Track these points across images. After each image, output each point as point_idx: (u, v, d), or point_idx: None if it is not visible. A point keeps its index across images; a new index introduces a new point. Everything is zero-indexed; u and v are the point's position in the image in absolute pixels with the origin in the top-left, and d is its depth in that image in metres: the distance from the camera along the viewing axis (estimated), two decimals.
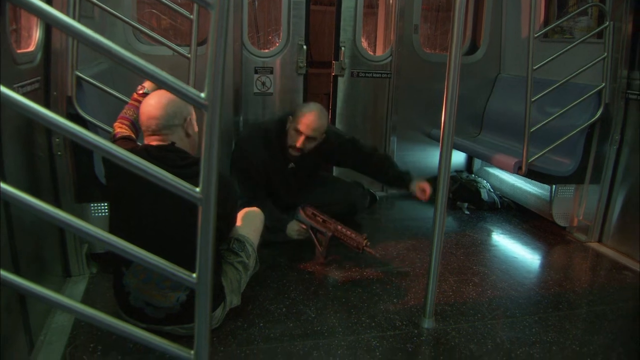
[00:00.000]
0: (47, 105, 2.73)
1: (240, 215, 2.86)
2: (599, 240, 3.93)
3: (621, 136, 3.73)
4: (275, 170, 3.67)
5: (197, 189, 1.12)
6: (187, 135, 2.40)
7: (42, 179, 2.73)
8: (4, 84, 1.94)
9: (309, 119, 3.44)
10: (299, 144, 3.47)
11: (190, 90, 1.03)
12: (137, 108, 2.63)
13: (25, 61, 2.44)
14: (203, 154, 1.08)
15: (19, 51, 2.39)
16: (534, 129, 3.62)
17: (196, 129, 2.48)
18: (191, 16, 3.31)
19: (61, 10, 2.75)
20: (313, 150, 3.58)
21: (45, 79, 2.73)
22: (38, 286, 1.13)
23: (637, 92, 3.63)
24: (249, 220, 2.86)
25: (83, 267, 3.07)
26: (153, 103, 2.33)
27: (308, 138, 3.47)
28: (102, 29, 4.03)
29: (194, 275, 1.21)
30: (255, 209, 3.00)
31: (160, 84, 1.06)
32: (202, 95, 1.01)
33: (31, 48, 2.59)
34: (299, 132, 3.46)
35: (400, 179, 3.86)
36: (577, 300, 3.06)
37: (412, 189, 3.75)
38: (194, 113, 2.46)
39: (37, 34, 2.65)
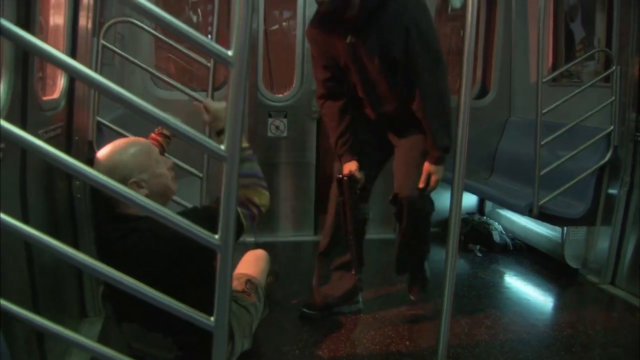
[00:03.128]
0: (68, 149, 2.83)
1: (247, 257, 2.89)
2: (612, 282, 3.91)
3: (631, 178, 3.75)
4: (333, 45, 2.95)
5: (216, 236, 1.14)
6: None
7: (61, 221, 2.81)
8: (30, 131, 2.05)
9: None
10: None
11: (210, 142, 1.08)
12: (155, 146, 2.73)
13: (50, 108, 2.55)
14: (222, 211, 1.13)
15: (44, 98, 2.50)
16: (544, 171, 3.67)
17: (155, 180, 2.20)
18: (208, 64, 3.43)
19: (85, 58, 2.92)
20: (359, 12, 2.75)
21: (67, 125, 2.83)
22: (56, 325, 1.17)
23: None
24: (256, 262, 2.90)
25: (99, 307, 3.12)
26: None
27: None
28: (122, 76, 4.18)
29: (212, 318, 1.22)
30: (260, 250, 3.02)
31: (176, 133, 1.12)
32: (222, 147, 1.06)
33: (56, 95, 2.71)
34: None
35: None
36: (590, 343, 3.05)
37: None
38: (149, 167, 2.19)
39: (61, 82, 2.77)
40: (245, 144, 2.32)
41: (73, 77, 2.60)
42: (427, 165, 2.99)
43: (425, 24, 2.81)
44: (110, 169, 2.07)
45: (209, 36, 4.07)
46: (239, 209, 1.72)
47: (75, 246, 2.96)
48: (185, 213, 2.14)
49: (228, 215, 1.11)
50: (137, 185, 2.12)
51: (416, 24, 2.76)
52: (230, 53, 0.99)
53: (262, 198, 2.28)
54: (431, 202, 3.17)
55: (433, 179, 3.01)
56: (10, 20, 1.87)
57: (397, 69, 2.87)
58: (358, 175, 3.05)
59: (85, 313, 3.08)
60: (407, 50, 2.78)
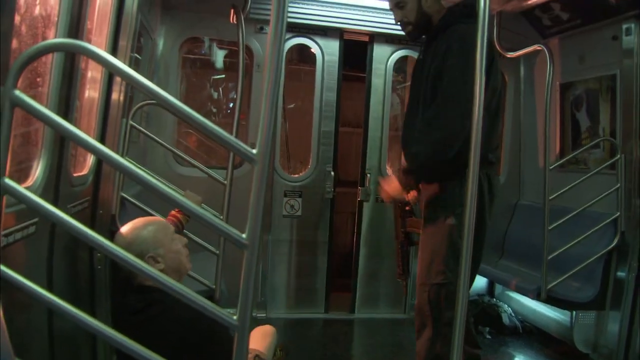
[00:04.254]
0: (92, 222, 2.96)
1: (255, 332, 2.94)
2: None
3: (639, 263, 3.80)
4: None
5: (244, 235, 1.20)
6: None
7: (81, 290, 2.91)
8: (60, 206, 2.20)
9: None
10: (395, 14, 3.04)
11: (231, 230, 1.18)
12: (174, 223, 2.87)
13: (79, 183, 2.70)
14: (241, 295, 1.22)
15: (74, 174, 2.66)
16: (552, 255, 3.74)
17: (170, 255, 2.34)
18: None
19: (114, 137, 3.10)
20: (421, 30, 3.03)
21: (93, 199, 2.98)
22: None
23: None
24: (263, 337, 2.94)
25: None
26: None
27: (394, 7, 3.02)
28: (145, 152, 4.38)
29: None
30: (268, 326, 3.07)
31: (194, 217, 1.23)
32: (244, 235, 1.16)
33: (85, 172, 2.87)
34: None
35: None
36: None
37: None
38: (164, 243, 2.32)
39: (90, 159, 2.94)
40: None
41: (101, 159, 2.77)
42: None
43: (460, 52, 2.73)
44: (129, 243, 2.23)
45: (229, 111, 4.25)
46: None
47: (93, 315, 3.04)
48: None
49: (247, 296, 1.19)
50: (153, 260, 2.26)
51: (448, 46, 2.80)
52: (254, 151, 1.11)
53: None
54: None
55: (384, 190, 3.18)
56: (52, 106, 2.07)
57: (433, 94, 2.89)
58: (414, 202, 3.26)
59: None
60: (439, 66, 2.81)
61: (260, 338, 2.91)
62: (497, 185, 3.01)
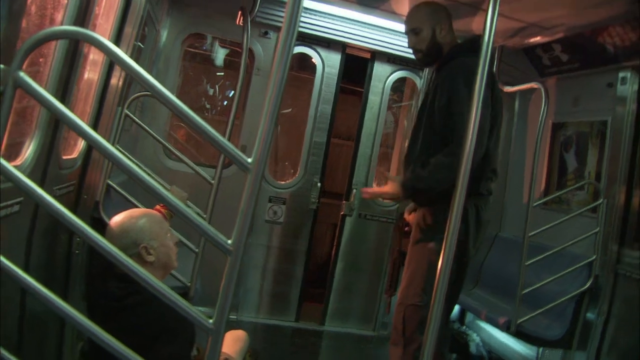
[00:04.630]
0: (75, 207, 2.96)
1: (227, 336, 2.94)
2: None
3: (609, 308, 3.85)
4: None
5: (230, 241, 1.22)
6: (144, 262, 2.22)
7: (57, 272, 2.90)
8: (47, 188, 2.20)
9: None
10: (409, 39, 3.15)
11: (217, 234, 1.20)
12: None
13: (67, 166, 2.70)
14: (219, 305, 1.23)
15: (64, 157, 2.66)
16: (525, 291, 3.78)
17: (162, 249, 2.31)
18: None
19: (107, 124, 3.11)
20: (431, 59, 3.16)
21: (79, 183, 2.98)
22: None
23: (626, 268, 3.80)
24: (235, 342, 2.94)
25: None
26: (108, 235, 2.23)
27: (410, 31, 3.12)
28: (136, 141, 4.37)
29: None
30: (240, 331, 3.08)
31: (180, 215, 1.24)
32: (229, 241, 1.18)
33: (74, 155, 2.87)
34: None
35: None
36: None
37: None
38: (160, 236, 2.31)
39: (81, 144, 2.94)
40: None
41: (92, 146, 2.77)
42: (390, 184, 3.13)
43: (461, 84, 2.83)
44: (125, 230, 2.22)
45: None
46: None
47: (65, 299, 3.03)
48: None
49: (225, 302, 1.21)
50: (145, 251, 2.24)
51: (453, 77, 2.88)
52: (250, 160, 1.14)
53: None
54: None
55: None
56: (52, 87, 2.08)
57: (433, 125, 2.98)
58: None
59: None
60: (443, 97, 2.89)
61: (231, 342, 2.91)
62: (486, 217, 3.06)
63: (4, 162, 1.18)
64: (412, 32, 3.09)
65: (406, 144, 3.39)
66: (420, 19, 3.06)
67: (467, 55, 2.88)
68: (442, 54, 3.07)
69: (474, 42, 2.86)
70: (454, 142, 2.80)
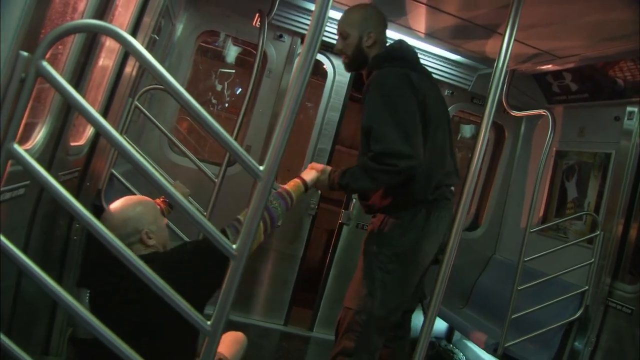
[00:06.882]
0: (78, 193, 2.97)
1: (225, 337, 2.94)
2: None
3: (597, 339, 3.87)
4: None
5: (235, 246, 1.22)
6: (147, 247, 2.28)
7: (53, 257, 2.91)
8: (53, 172, 2.21)
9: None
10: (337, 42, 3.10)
11: (223, 239, 1.20)
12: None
13: (74, 153, 2.72)
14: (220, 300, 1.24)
15: (72, 144, 2.68)
16: (515, 315, 3.80)
17: (160, 232, 2.35)
18: None
19: (117, 114, 3.12)
20: (356, 66, 3.11)
21: (83, 170, 3.00)
22: (25, 354, 1.27)
23: (617, 302, 3.82)
24: (232, 344, 2.95)
25: (63, 349, 3.15)
26: (108, 225, 2.17)
27: (339, 34, 3.05)
28: (141, 133, 4.39)
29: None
30: (240, 333, 3.08)
31: (184, 213, 1.25)
32: (234, 246, 1.20)
33: (81, 142, 2.88)
34: None
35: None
36: None
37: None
38: (157, 220, 2.34)
39: (89, 131, 2.96)
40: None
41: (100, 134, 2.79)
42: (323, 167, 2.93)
43: (376, 96, 2.79)
44: (128, 218, 2.23)
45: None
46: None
47: (59, 284, 3.04)
48: (176, 251, 2.26)
49: (225, 305, 1.21)
50: (147, 236, 2.27)
51: (369, 90, 2.82)
52: (261, 168, 1.15)
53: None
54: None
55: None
56: (67, 74, 2.09)
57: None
58: None
59: (48, 351, 3.11)
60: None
61: (229, 343, 2.91)
62: (440, 223, 2.93)
63: (20, 150, 1.20)
64: (341, 35, 3.04)
65: None
66: (349, 24, 3.00)
67: (383, 66, 2.89)
68: (367, 62, 3.02)
69: (395, 50, 3.00)
70: (368, 155, 2.76)
